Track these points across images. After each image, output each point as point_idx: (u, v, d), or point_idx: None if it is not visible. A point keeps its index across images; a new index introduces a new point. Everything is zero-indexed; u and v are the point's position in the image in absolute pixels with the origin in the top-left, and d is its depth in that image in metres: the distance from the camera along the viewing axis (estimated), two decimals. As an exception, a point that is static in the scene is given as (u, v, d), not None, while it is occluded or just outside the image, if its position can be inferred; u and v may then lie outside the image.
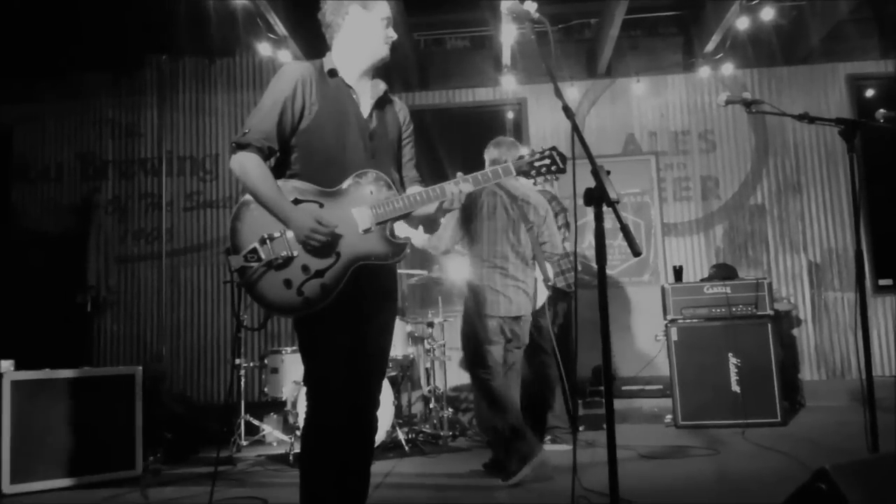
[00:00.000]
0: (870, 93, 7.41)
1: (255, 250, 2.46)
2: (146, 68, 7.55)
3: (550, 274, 4.44)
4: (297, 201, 2.48)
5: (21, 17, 6.33)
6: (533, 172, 2.58)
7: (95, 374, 4.57)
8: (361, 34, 2.63)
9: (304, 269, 2.45)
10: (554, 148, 2.60)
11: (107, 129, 7.52)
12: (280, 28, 6.11)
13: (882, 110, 3.69)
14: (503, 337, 4.21)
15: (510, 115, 7.77)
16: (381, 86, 2.73)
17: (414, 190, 2.71)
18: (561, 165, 2.59)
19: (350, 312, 2.52)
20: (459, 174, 2.57)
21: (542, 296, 4.59)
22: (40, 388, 4.32)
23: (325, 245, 2.43)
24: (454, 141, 8.51)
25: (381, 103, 2.73)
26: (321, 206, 2.50)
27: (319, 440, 2.51)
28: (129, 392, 4.60)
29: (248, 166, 2.48)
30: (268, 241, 2.46)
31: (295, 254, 2.45)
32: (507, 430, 3.98)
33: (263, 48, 6.46)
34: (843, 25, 6.75)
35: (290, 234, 2.45)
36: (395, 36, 2.67)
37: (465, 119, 8.03)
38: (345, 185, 2.53)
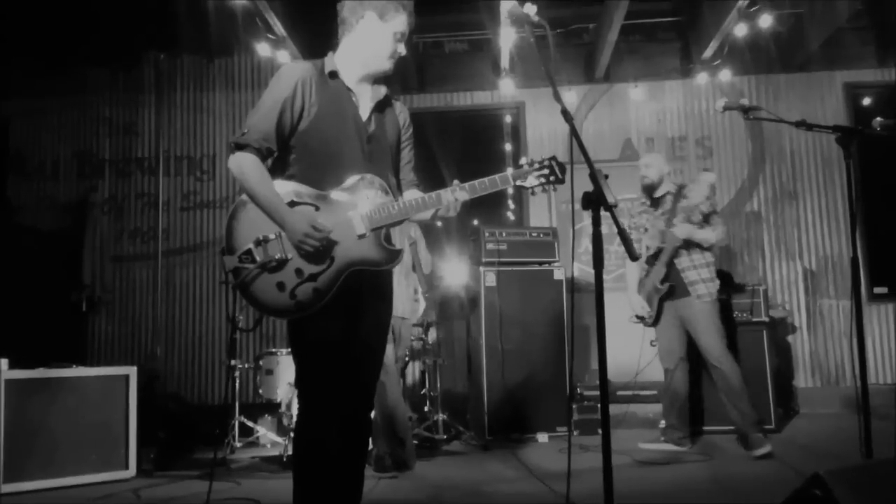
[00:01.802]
0: (867, 101, 7.43)
1: (249, 251, 2.46)
2: (144, 66, 7.53)
3: (425, 287, 4.96)
4: (293, 203, 2.48)
5: (21, 11, 6.32)
6: (531, 182, 2.57)
7: (90, 374, 4.56)
8: (369, 42, 2.62)
9: (298, 272, 2.45)
10: (553, 158, 2.58)
11: (104, 127, 7.50)
12: (279, 28, 6.10)
13: (879, 118, 3.69)
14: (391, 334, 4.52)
15: (508, 118, 7.78)
16: (382, 89, 2.73)
17: (411, 194, 2.70)
18: (560, 176, 2.56)
19: (343, 315, 2.51)
20: (456, 182, 2.56)
21: (420, 307, 5.02)
22: (34, 388, 4.31)
23: (319, 249, 2.43)
24: (452, 144, 8.52)
25: (381, 106, 2.72)
26: (317, 208, 2.49)
27: (312, 442, 2.51)
28: (124, 392, 4.59)
29: (246, 167, 2.48)
30: (262, 243, 2.46)
31: (289, 256, 2.45)
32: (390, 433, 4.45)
33: (262, 48, 6.45)
34: (840, 33, 6.77)
35: (285, 236, 2.45)
36: (403, 52, 2.66)
37: (463, 122, 8.04)
38: (341, 188, 2.52)
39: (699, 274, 4.78)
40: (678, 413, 4.94)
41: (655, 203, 5.04)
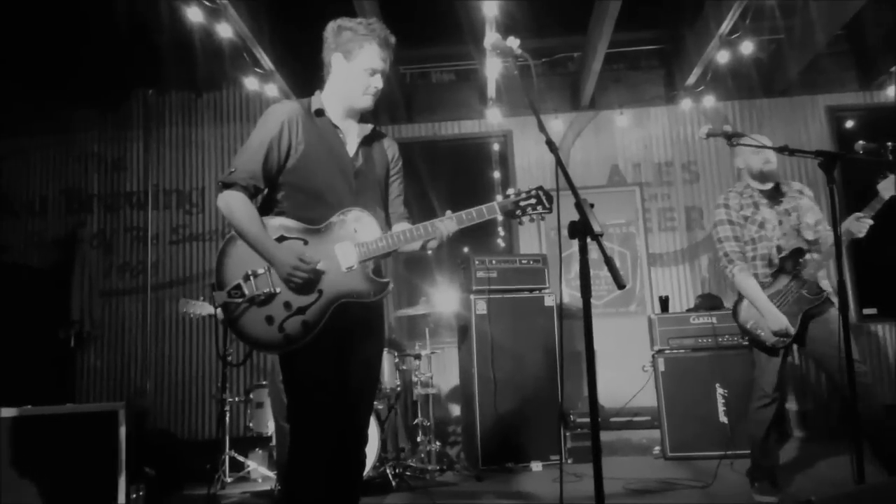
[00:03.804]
0: (849, 124, 7.52)
1: (238, 286, 2.48)
2: (133, 102, 7.56)
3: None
4: (282, 238, 2.51)
5: (8, 50, 6.34)
6: (518, 212, 2.59)
7: (78, 411, 4.51)
8: (342, 82, 2.66)
9: (286, 305, 2.46)
10: (540, 188, 2.62)
11: (92, 163, 7.50)
12: (266, 62, 6.15)
13: (861, 141, 3.73)
14: None
15: (496, 147, 7.83)
16: (369, 126, 2.77)
17: (400, 226, 2.73)
18: (547, 205, 2.60)
19: (335, 347, 2.52)
20: (448, 213, 2.59)
21: None
22: (22, 426, 4.26)
23: (307, 283, 2.44)
24: (440, 173, 8.55)
25: (369, 140, 2.76)
26: (306, 243, 2.52)
27: (304, 477, 2.49)
28: (113, 429, 4.53)
29: (234, 205, 2.51)
30: (251, 278, 2.48)
31: (277, 290, 2.47)
32: None
33: (250, 82, 6.50)
34: (821, 58, 6.88)
35: (274, 271, 2.47)
36: (379, 86, 2.66)
37: (451, 151, 8.09)
38: (329, 222, 2.55)
39: (831, 284, 3.90)
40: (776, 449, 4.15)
41: (769, 195, 4.11)
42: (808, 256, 3.93)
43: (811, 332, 3.91)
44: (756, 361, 4.08)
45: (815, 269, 3.89)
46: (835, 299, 3.88)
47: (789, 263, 3.95)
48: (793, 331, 3.87)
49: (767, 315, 3.90)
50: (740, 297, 4.09)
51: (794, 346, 4.11)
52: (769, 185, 4.12)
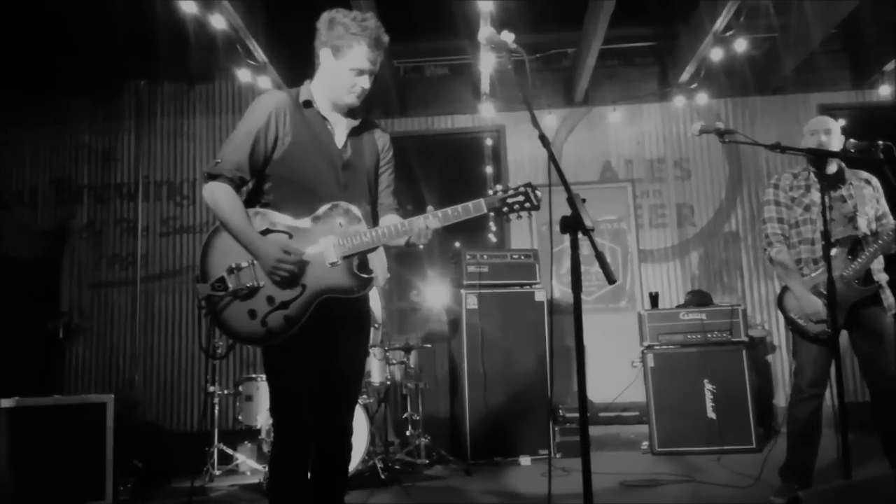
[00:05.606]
0: (841, 122, 7.51)
1: (222, 279, 2.47)
2: (125, 93, 7.51)
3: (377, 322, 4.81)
4: (267, 231, 2.49)
5: (0, 39, 6.29)
6: (505, 209, 2.54)
7: (66, 403, 4.49)
8: (329, 77, 2.62)
9: (269, 300, 2.45)
10: (529, 184, 2.56)
11: (83, 153, 7.46)
12: (260, 54, 6.13)
13: (852, 140, 3.75)
14: None
15: (489, 141, 7.82)
16: (358, 118, 2.74)
17: (389, 219, 2.71)
18: (535, 202, 2.54)
19: (318, 340, 2.51)
20: (430, 208, 2.56)
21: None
22: (10, 417, 4.24)
23: (290, 277, 2.43)
24: (433, 167, 8.54)
25: (359, 132, 2.73)
26: (290, 236, 2.50)
27: (288, 470, 2.49)
28: (101, 420, 4.52)
29: (219, 197, 2.50)
30: (235, 271, 2.47)
31: (261, 284, 2.45)
32: None
33: (243, 74, 6.47)
34: (815, 57, 6.88)
35: (258, 264, 2.45)
36: (365, 86, 2.61)
37: (444, 146, 8.08)
38: (315, 216, 2.53)
39: (885, 277, 3.79)
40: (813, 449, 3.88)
41: (827, 180, 3.84)
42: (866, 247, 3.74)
43: (855, 322, 3.76)
44: (796, 353, 3.93)
45: (865, 260, 3.70)
46: (886, 293, 3.79)
47: (848, 250, 3.76)
48: (823, 314, 3.69)
49: (801, 298, 3.79)
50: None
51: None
52: (830, 170, 3.92)
